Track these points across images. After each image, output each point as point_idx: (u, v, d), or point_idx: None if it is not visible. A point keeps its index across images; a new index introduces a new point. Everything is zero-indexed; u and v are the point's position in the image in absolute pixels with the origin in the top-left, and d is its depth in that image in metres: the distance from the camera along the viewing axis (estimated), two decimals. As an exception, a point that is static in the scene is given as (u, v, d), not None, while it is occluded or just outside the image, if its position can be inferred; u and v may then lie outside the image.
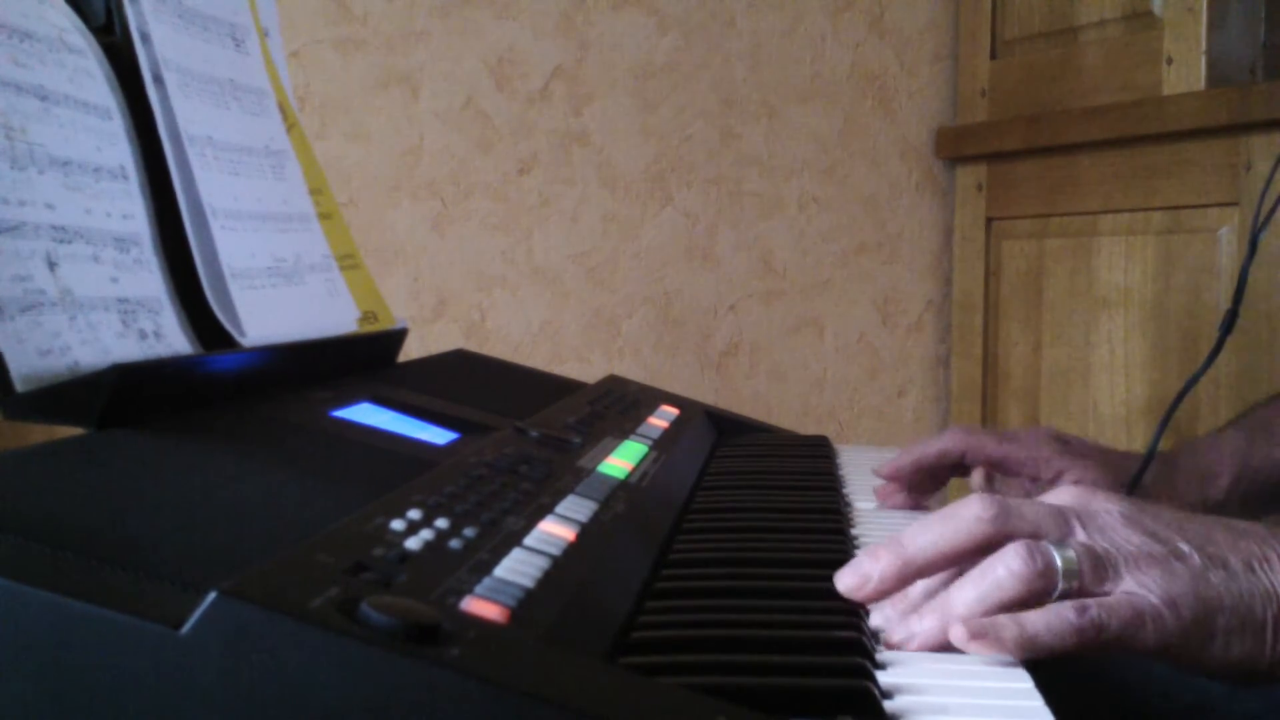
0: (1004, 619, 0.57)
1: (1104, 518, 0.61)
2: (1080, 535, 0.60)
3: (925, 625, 0.58)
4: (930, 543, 0.61)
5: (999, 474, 0.94)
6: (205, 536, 0.51)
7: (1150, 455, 0.91)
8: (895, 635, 0.59)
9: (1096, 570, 0.58)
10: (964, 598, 0.58)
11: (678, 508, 0.82)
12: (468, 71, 1.87)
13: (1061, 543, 0.59)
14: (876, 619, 0.61)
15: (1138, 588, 0.58)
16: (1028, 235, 1.84)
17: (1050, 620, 0.56)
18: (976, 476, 0.94)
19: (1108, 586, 0.58)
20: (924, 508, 0.90)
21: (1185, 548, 0.60)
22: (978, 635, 0.56)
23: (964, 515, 0.61)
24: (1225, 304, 1.49)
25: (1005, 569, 0.58)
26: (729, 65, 1.96)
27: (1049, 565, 0.58)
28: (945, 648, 0.58)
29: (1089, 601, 0.57)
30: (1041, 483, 0.92)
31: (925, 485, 0.93)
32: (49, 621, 0.40)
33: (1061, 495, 0.65)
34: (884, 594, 0.61)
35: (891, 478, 0.91)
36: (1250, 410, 1.06)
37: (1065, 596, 0.58)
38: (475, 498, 0.60)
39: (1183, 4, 1.55)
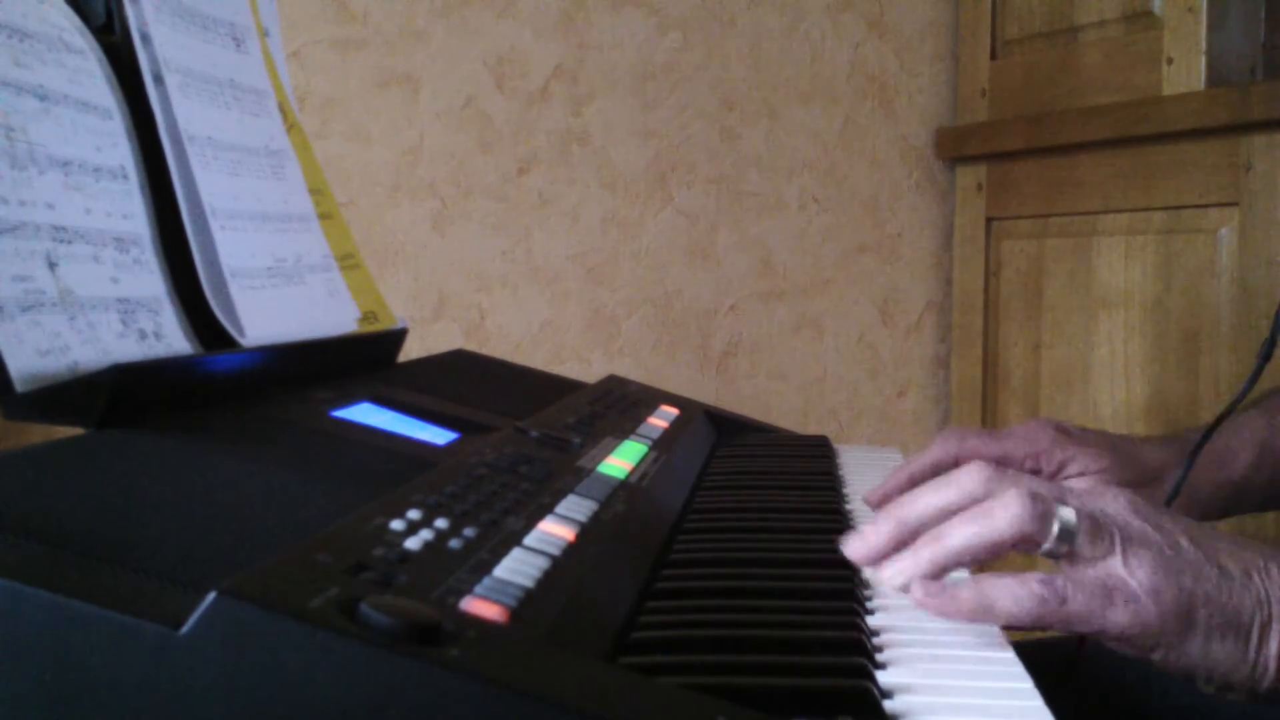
0: (966, 581, 0.57)
1: (1110, 501, 0.62)
2: (1079, 502, 0.61)
3: (918, 557, 0.59)
4: (928, 503, 0.62)
5: None
6: (205, 536, 0.51)
7: (1181, 481, 0.89)
8: (885, 570, 0.60)
9: (1094, 534, 0.59)
10: (959, 534, 0.59)
11: (678, 508, 0.82)
12: (468, 71, 1.87)
13: (1062, 502, 0.60)
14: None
15: (1123, 570, 0.58)
16: (1028, 235, 1.84)
17: (1012, 586, 0.57)
18: None
19: (1100, 554, 0.58)
20: None
21: (1184, 541, 0.60)
22: (934, 595, 0.57)
23: (961, 480, 0.62)
24: (1226, 304, 1.49)
25: (1003, 509, 0.59)
26: (729, 65, 1.96)
27: (1047, 511, 0.58)
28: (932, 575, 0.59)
29: (1058, 574, 0.58)
30: (1045, 475, 0.89)
31: None
32: (49, 621, 0.40)
33: (1077, 483, 0.65)
34: (884, 556, 0.62)
35: (884, 502, 0.84)
36: (1270, 393, 1.04)
37: (1056, 555, 0.59)
38: (475, 498, 0.60)
39: (1183, 4, 1.55)
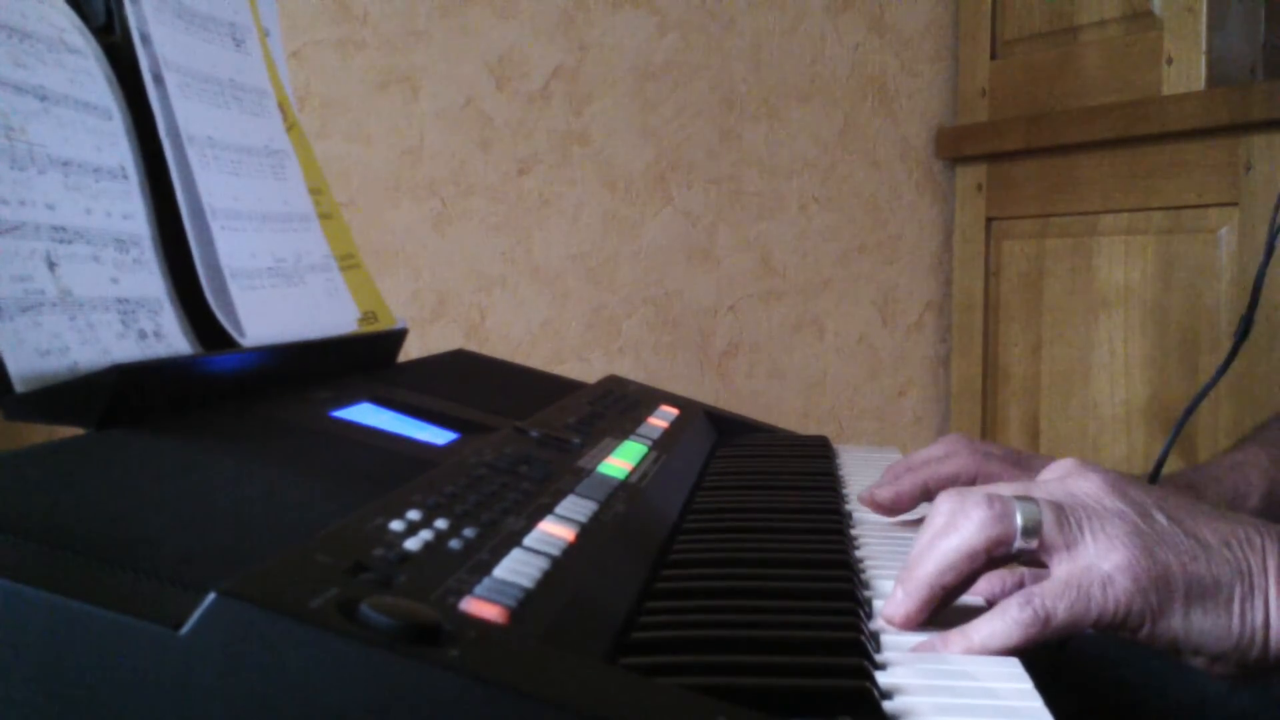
0: (953, 634, 0.58)
1: (1081, 483, 0.62)
2: (1041, 493, 0.61)
3: (905, 593, 0.60)
4: (918, 553, 0.62)
5: None
6: (205, 536, 0.51)
7: (1162, 459, 0.88)
8: (884, 613, 0.60)
9: (1059, 521, 0.59)
10: (933, 555, 0.60)
11: (678, 508, 0.82)
12: (468, 71, 1.87)
13: (1022, 498, 0.60)
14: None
15: (1094, 552, 0.58)
16: (1028, 235, 1.84)
17: (995, 627, 0.57)
18: None
19: (1069, 540, 0.59)
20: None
21: (1158, 514, 0.60)
22: (927, 649, 0.58)
23: (933, 520, 0.62)
24: (1226, 304, 1.49)
25: (966, 519, 0.60)
26: (729, 65, 1.96)
27: (1007, 510, 0.59)
28: (927, 617, 0.60)
29: (1033, 591, 0.58)
30: None
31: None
32: (49, 621, 0.40)
33: (1051, 470, 0.65)
34: (922, 622, 0.61)
35: (894, 503, 0.84)
36: (1265, 426, 1.03)
37: (1029, 551, 0.59)
38: (475, 498, 0.60)
39: (1183, 4, 1.55)
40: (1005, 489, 0.62)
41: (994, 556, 0.60)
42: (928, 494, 0.84)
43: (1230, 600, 0.59)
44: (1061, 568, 0.59)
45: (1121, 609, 0.57)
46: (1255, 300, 0.90)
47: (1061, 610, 0.57)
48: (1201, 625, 0.58)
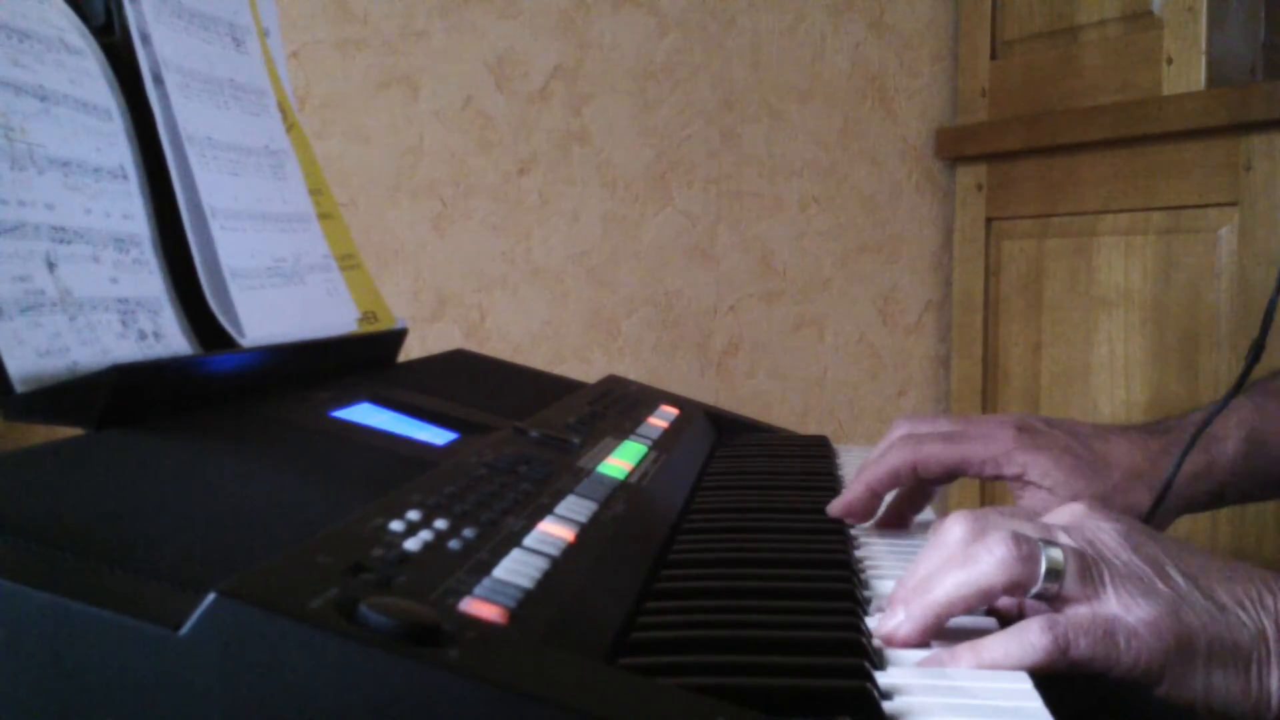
0: (963, 649, 0.56)
1: (1097, 532, 0.61)
2: (1066, 539, 0.60)
3: (909, 614, 0.58)
4: (924, 575, 0.61)
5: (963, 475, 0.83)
6: (205, 536, 0.51)
7: (1162, 494, 0.86)
8: (880, 631, 0.59)
9: (1082, 573, 0.58)
10: (946, 584, 0.59)
11: (678, 508, 0.82)
12: (468, 71, 1.87)
13: (1048, 543, 0.59)
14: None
15: (1117, 607, 0.57)
16: (1028, 235, 1.84)
17: (1009, 647, 0.56)
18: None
19: (1090, 594, 0.58)
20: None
21: (1174, 573, 0.59)
22: (933, 663, 0.56)
23: (945, 540, 0.61)
24: (1226, 304, 1.49)
25: (988, 553, 0.58)
26: (729, 65, 1.96)
27: (1033, 553, 0.58)
28: (926, 642, 0.59)
29: (1058, 618, 0.57)
30: (1005, 479, 0.83)
31: (903, 508, 0.84)
32: (49, 621, 0.40)
33: (1060, 515, 0.64)
34: (919, 645, 0.60)
35: (847, 515, 0.81)
36: (1257, 381, 1.00)
37: (1045, 597, 0.58)
38: (475, 498, 0.60)
39: (1183, 4, 1.55)
40: (1029, 529, 0.61)
41: (1007, 594, 0.59)
42: (875, 496, 0.82)
43: (1248, 664, 0.58)
44: (1081, 610, 0.58)
45: (1142, 664, 0.56)
46: (1267, 326, 0.88)
47: (1084, 645, 0.56)
48: (1220, 688, 0.58)
